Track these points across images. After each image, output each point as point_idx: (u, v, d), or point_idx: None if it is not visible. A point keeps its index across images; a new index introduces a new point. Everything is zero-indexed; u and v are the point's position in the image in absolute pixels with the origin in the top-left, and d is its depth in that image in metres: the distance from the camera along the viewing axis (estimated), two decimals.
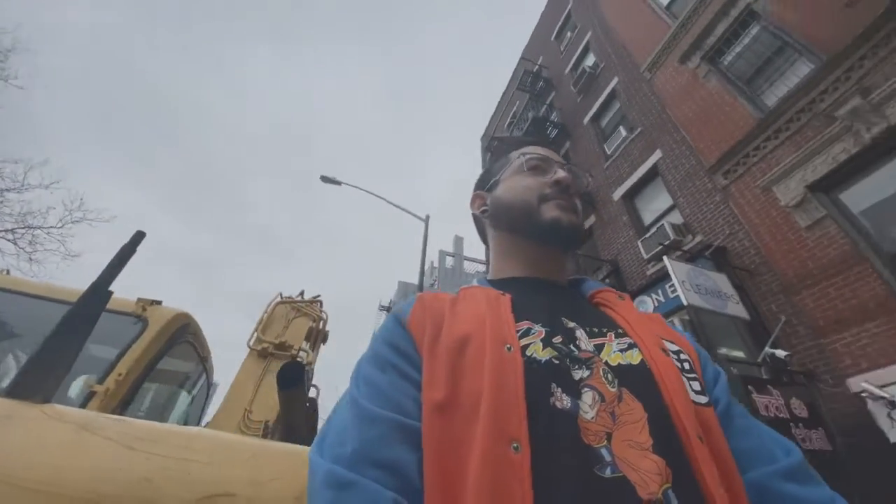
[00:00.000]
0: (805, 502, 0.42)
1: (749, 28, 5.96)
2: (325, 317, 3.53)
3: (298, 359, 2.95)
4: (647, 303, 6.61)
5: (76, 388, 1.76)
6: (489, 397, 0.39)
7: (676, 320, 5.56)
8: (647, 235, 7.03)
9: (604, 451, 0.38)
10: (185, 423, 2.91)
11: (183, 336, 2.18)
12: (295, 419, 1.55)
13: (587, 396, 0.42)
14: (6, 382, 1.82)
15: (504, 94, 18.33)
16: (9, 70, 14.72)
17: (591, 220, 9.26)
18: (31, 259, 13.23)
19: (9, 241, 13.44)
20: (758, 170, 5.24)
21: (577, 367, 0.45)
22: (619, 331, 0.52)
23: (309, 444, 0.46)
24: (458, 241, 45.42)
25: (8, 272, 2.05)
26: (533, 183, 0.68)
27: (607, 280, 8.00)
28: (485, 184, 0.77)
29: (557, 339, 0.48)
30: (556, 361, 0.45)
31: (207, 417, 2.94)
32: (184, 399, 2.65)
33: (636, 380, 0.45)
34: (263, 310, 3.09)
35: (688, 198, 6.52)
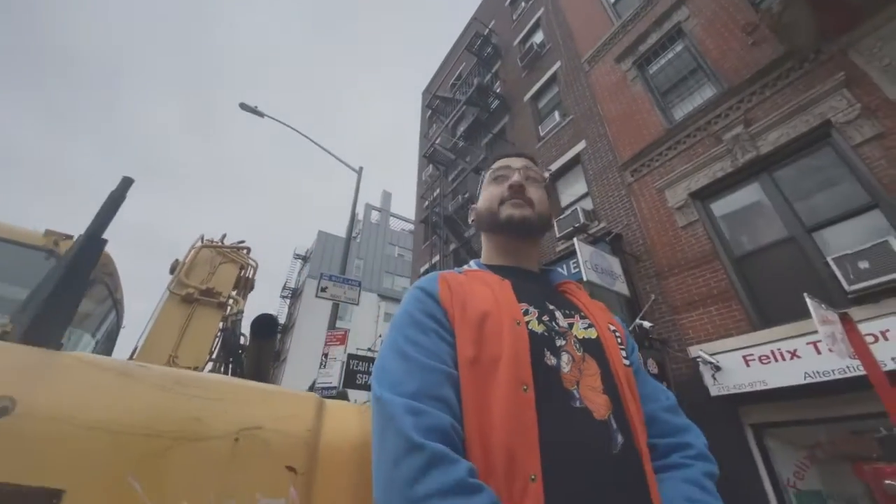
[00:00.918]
0: (675, 425, 0.71)
1: (675, 44, 6.68)
2: (254, 264, 3.40)
3: (224, 306, 2.85)
4: None
5: None
6: (507, 356, 0.59)
7: None
8: (562, 217, 7.83)
9: (575, 392, 0.61)
10: None
11: (99, 275, 1.97)
12: (264, 366, 1.60)
13: (565, 357, 0.64)
14: None
15: (451, 52, 17.77)
16: None
17: None
18: None
19: None
20: (657, 173, 6.14)
21: (558, 338, 0.67)
22: (582, 314, 0.75)
23: None
24: (387, 196, 44.27)
25: None
26: (496, 190, 0.87)
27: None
28: (475, 199, 0.95)
29: (545, 318, 0.69)
30: (546, 333, 0.66)
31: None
32: (87, 342, 2.41)
33: (593, 348, 0.69)
34: (186, 253, 2.87)
35: (600, 188, 7.36)
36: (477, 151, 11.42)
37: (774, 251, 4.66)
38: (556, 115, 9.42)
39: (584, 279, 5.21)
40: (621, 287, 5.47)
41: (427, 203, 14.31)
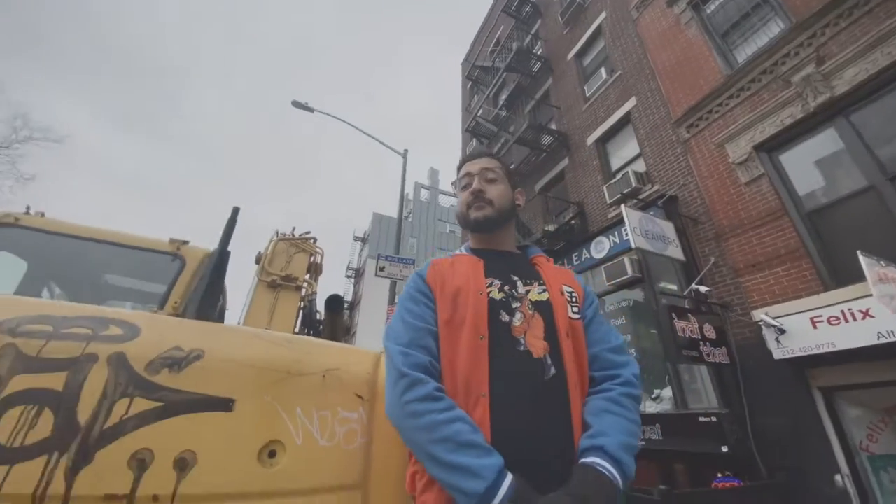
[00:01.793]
0: (614, 362, 0.93)
1: None
2: (320, 252, 3.92)
3: (301, 289, 3.39)
4: (605, 243, 7.37)
5: None
6: (470, 316, 0.87)
7: (627, 260, 6.34)
8: (613, 181, 7.56)
9: (521, 339, 0.87)
10: None
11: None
12: (337, 333, 2.04)
13: (517, 315, 0.90)
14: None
15: (488, 16, 17.09)
16: None
17: (565, 162, 9.63)
18: None
19: None
20: (716, 126, 5.69)
21: (514, 301, 0.93)
22: (541, 281, 1.00)
23: None
24: (434, 173, 44.55)
25: (42, 214, 2.26)
26: (463, 197, 1.11)
27: (573, 221, 8.65)
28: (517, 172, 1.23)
29: (507, 287, 0.95)
30: (504, 299, 0.93)
31: None
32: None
33: (543, 308, 0.94)
34: (266, 246, 3.43)
35: (653, 148, 6.97)
36: (520, 120, 11.17)
37: (851, 203, 4.23)
38: (603, 72, 8.89)
39: (633, 246, 5.15)
40: (675, 252, 5.31)
41: None
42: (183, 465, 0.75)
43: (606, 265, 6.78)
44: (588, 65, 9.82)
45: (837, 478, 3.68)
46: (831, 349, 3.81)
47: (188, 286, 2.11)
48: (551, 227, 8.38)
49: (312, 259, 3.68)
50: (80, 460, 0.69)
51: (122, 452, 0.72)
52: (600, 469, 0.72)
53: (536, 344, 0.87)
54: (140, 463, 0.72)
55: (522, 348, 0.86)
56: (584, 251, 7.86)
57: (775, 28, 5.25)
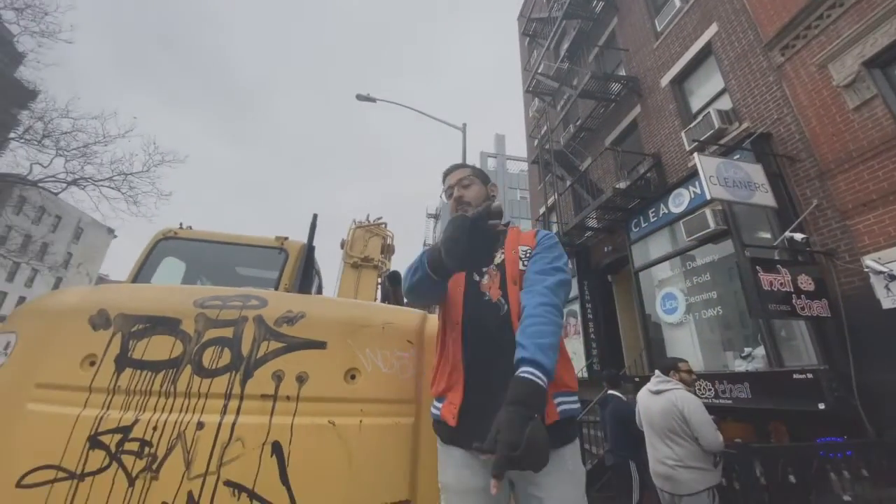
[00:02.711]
0: (534, 280, 1.16)
1: None
2: (391, 234, 4.48)
3: (378, 267, 3.99)
4: (684, 195, 6.82)
5: None
6: (456, 282, 1.22)
7: (709, 212, 5.84)
8: (693, 125, 6.85)
9: (486, 292, 1.20)
10: None
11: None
12: (398, 301, 2.55)
13: (485, 276, 1.23)
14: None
15: None
16: (54, 25, 15.40)
17: (636, 111, 8.89)
18: (135, 202, 15.65)
19: (112, 188, 15.80)
20: (817, 44, 4.82)
21: (485, 268, 1.24)
22: (503, 247, 1.28)
23: None
24: (500, 139, 43.39)
25: (190, 227, 3.08)
26: (451, 206, 1.43)
27: (648, 174, 8.07)
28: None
29: None
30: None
31: None
32: None
33: (501, 266, 1.24)
34: (347, 234, 4.08)
35: (740, 79, 6.13)
36: (583, 71, 10.43)
37: None
38: (676, 0, 7.86)
39: (709, 197, 4.78)
40: (763, 198, 4.78)
41: (537, 141, 13.91)
42: (301, 379, 1.22)
43: (686, 219, 6.32)
44: None
45: None
46: None
47: (292, 272, 2.75)
48: (622, 185, 7.94)
49: (384, 241, 4.25)
50: (246, 375, 1.20)
51: (267, 371, 1.21)
52: (524, 376, 0.93)
53: (494, 292, 1.21)
54: (278, 377, 1.21)
55: (486, 297, 1.21)
56: (662, 206, 7.36)
57: None
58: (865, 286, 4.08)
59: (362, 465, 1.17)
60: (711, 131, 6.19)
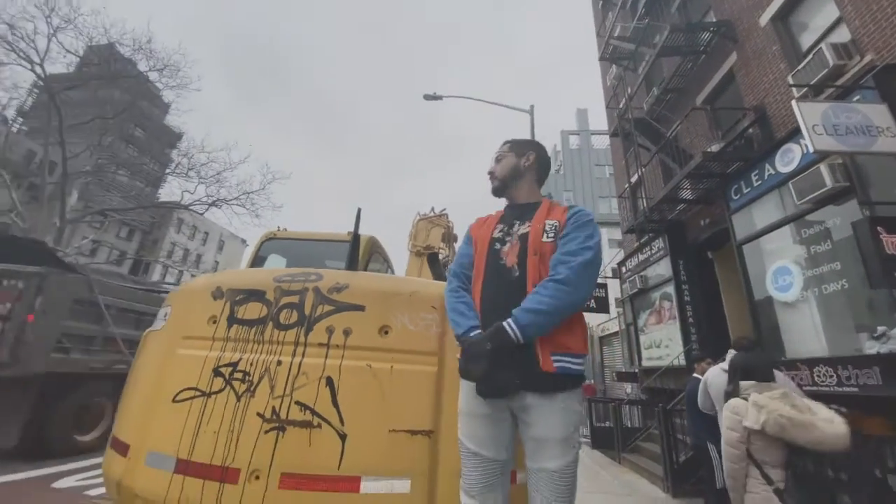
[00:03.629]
0: (560, 260, 1.30)
1: None
2: (451, 224, 4.81)
3: (437, 254, 4.36)
4: (794, 151, 5.83)
5: None
6: (479, 249, 1.45)
7: (824, 168, 4.92)
8: (801, 66, 5.78)
9: (505, 258, 1.39)
10: None
11: (375, 249, 3.71)
12: (439, 277, 2.88)
13: (507, 245, 1.41)
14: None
15: None
16: (186, 78, 19.30)
17: (732, 59, 7.75)
18: (256, 215, 18.90)
19: (240, 205, 19.29)
20: None
21: (507, 237, 1.44)
22: (531, 220, 1.44)
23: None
24: (581, 114, 40.73)
25: (286, 228, 3.81)
26: None
27: (750, 130, 7.02)
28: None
29: (505, 228, 1.46)
30: (500, 236, 1.45)
31: None
32: None
33: (523, 237, 1.40)
34: (411, 226, 4.53)
35: (858, 3, 4.99)
36: (663, 25, 9.37)
37: None
38: None
39: (812, 151, 4.07)
40: (888, 144, 3.89)
41: (617, 111, 12.86)
42: (346, 333, 1.60)
43: (795, 179, 5.41)
44: None
45: None
46: None
47: (361, 261, 3.25)
48: (714, 148, 7.04)
49: (446, 230, 4.59)
50: (308, 329, 1.62)
51: (322, 326, 1.61)
52: (503, 325, 1.22)
53: (511, 259, 1.39)
54: (330, 331, 1.60)
55: (502, 262, 1.40)
56: (767, 167, 6.36)
57: None
58: None
59: (392, 400, 1.50)
60: (825, 70, 5.18)
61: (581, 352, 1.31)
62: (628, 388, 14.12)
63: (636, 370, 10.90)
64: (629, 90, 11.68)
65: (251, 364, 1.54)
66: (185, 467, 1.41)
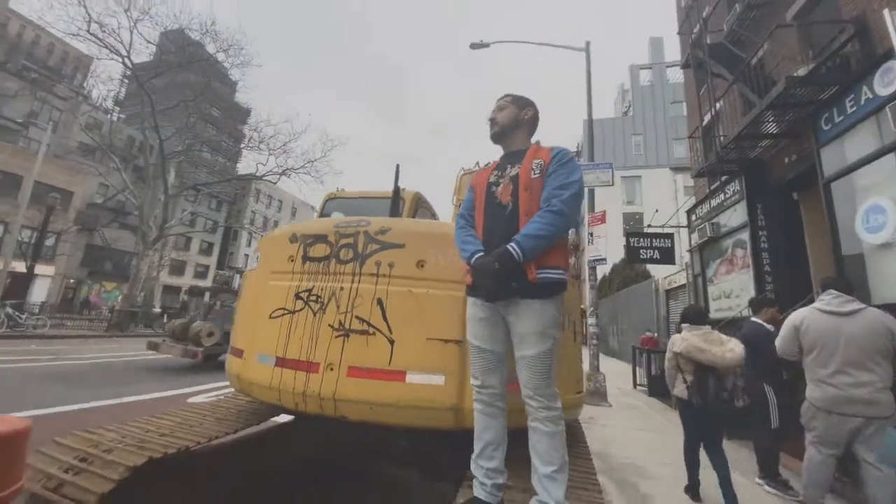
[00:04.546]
0: (552, 194, 1.54)
1: None
2: None
3: None
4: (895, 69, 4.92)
5: None
6: (478, 191, 1.75)
7: None
8: None
9: (499, 196, 1.67)
10: None
11: (421, 203, 4.07)
12: None
13: (501, 185, 1.69)
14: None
15: None
16: (248, 56, 20.56)
17: None
18: (321, 182, 20.37)
19: (305, 173, 20.85)
20: None
21: (501, 178, 1.70)
22: (521, 163, 1.68)
23: None
24: (655, 43, 36.21)
25: (344, 189, 4.28)
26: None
27: (848, 46, 5.98)
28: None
29: (499, 172, 1.73)
30: (496, 179, 1.72)
31: None
32: None
33: (514, 177, 1.66)
34: (455, 180, 4.76)
35: None
36: None
37: None
38: None
39: None
40: None
41: (691, 37, 11.35)
42: (391, 265, 1.98)
43: (895, 102, 4.65)
44: None
45: None
46: None
47: (407, 210, 3.63)
48: (802, 71, 6.13)
49: None
50: (361, 263, 2.03)
51: (373, 261, 2.01)
52: (508, 247, 1.50)
53: (505, 197, 1.66)
54: (377, 264, 1.99)
55: (498, 200, 1.67)
56: (865, 90, 5.47)
57: None
58: None
59: (428, 317, 1.88)
60: None
61: (559, 265, 1.60)
62: None
63: None
64: (707, 10, 10.22)
65: (321, 290, 2.00)
66: (282, 362, 1.95)
